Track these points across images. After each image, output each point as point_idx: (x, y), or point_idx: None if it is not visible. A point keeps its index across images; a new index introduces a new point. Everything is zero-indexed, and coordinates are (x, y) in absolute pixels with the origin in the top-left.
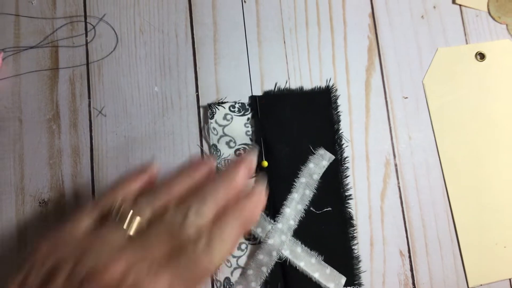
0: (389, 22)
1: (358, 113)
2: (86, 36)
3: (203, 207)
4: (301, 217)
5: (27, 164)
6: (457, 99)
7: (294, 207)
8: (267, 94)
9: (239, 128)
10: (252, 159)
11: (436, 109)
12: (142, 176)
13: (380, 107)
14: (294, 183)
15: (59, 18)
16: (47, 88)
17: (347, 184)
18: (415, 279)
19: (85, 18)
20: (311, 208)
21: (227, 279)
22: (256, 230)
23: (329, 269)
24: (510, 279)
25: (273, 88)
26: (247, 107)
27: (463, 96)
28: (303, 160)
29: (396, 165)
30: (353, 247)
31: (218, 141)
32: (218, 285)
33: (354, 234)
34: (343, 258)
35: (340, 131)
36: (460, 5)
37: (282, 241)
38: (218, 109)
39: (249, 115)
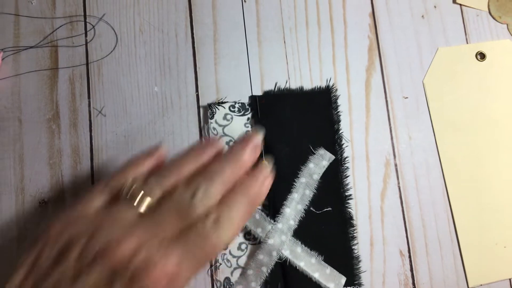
0: (389, 22)
1: (358, 113)
2: (86, 36)
3: (211, 187)
4: (301, 217)
5: (27, 164)
6: (458, 99)
7: (294, 207)
8: (267, 94)
9: (239, 128)
10: (258, 138)
11: (437, 109)
12: (151, 157)
13: (380, 107)
14: (294, 183)
15: (59, 18)
16: (47, 88)
17: (347, 184)
18: (415, 279)
19: (85, 18)
20: (311, 208)
21: (227, 279)
22: (256, 230)
23: (329, 269)
24: (510, 279)
25: (273, 88)
26: (247, 107)
27: (463, 96)
28: (303, 160)
29: (396, 165)
30: (353, 247)
31: None
32: (218, 285)
33: (354, 234)
34: (343, 258)
35: (340, 131)
36: (460, 5)
37: (282, 241)
38: (218, 109)
39: (249, 115)
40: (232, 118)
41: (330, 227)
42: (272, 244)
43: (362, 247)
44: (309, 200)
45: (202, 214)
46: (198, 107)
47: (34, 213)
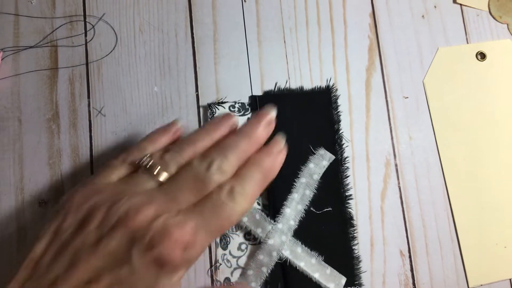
0: (389, 22)
1: (358, 113)
2: (86, 35)
3: (225, 161)
4: (301, 217)
5: (26, 164)
6: (458, 99)
7: (294, 207)
8: (267, 94)
9: None
10: (272, 114)
11: (437, 109)
12: (168, 133)
13: (380, 107)
14: (294, 183)
15: (59, 18)
16: (47, 88)
17: (347, 184)
18: (415, 279)
19: (85, 18)
20: (311, 208)
21: (227, 279)
22: (256, 231)
23: (329, 270)
24: (510, 279)
25: (273, 88)
26: (247, 107)
27: (463, 96)
28: (303, 160)
29: (396, 165)
30: (353, 247)
31: None
32: (218, 285)
33: (355, 234)
34: (343, 258)
35: (340, 131)
36: (460, 5)
37: (282, 241)
38: (218, 109)
39: (249, 115)
40: None
41: (330, 227)
42: (272, 245)
43: (362, 247)
44: (309, 200)
45: (217, 186)
46: (198, 107)
47: (34, 213)
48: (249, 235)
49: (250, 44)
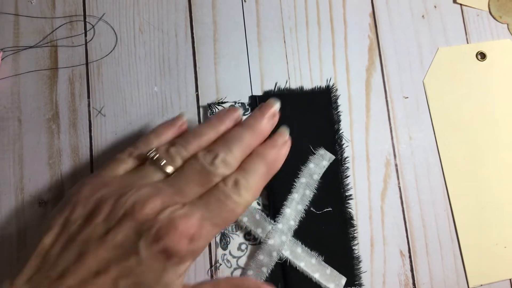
0: (389, 22)
1: (358, 113)
2: (86, 35)
3: (230, 154)
4: (301, 217)
5: (26, 164)
6: (458, 99)
7: (295, 207)
8: (267, 94)
9: None
10: (276, 107)
11: (437, 109)
12: (173, 127)
13: (380, 107)
14: (294, 183)
15: (59, 18)
16: (47, 88)
17: (347, 184)
18: (415, 279)
19: (84, 18)
20: (311, 209)
21: None
22: (256, 231)
23: (329, 270)
24: (510, 279)
25: (273, 88)
26: (247, 107)
27: (463, 96)
28: (303, 160)
29: (396, 165)
30: (353, 248)
31: None
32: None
33: (355, 234)
34: (343, 259)
35: (340, 131)
36: (461, 5)
37: (282, 241)
38: (218, 109)
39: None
40: None
41: (330, 228)
42: (272, 245)
43: (362, 247)
44: (309, 200)
45: (222, 179)
46: (198, 107)
47: (34, 213)
48: (249, 235)
49: (250, 44)
